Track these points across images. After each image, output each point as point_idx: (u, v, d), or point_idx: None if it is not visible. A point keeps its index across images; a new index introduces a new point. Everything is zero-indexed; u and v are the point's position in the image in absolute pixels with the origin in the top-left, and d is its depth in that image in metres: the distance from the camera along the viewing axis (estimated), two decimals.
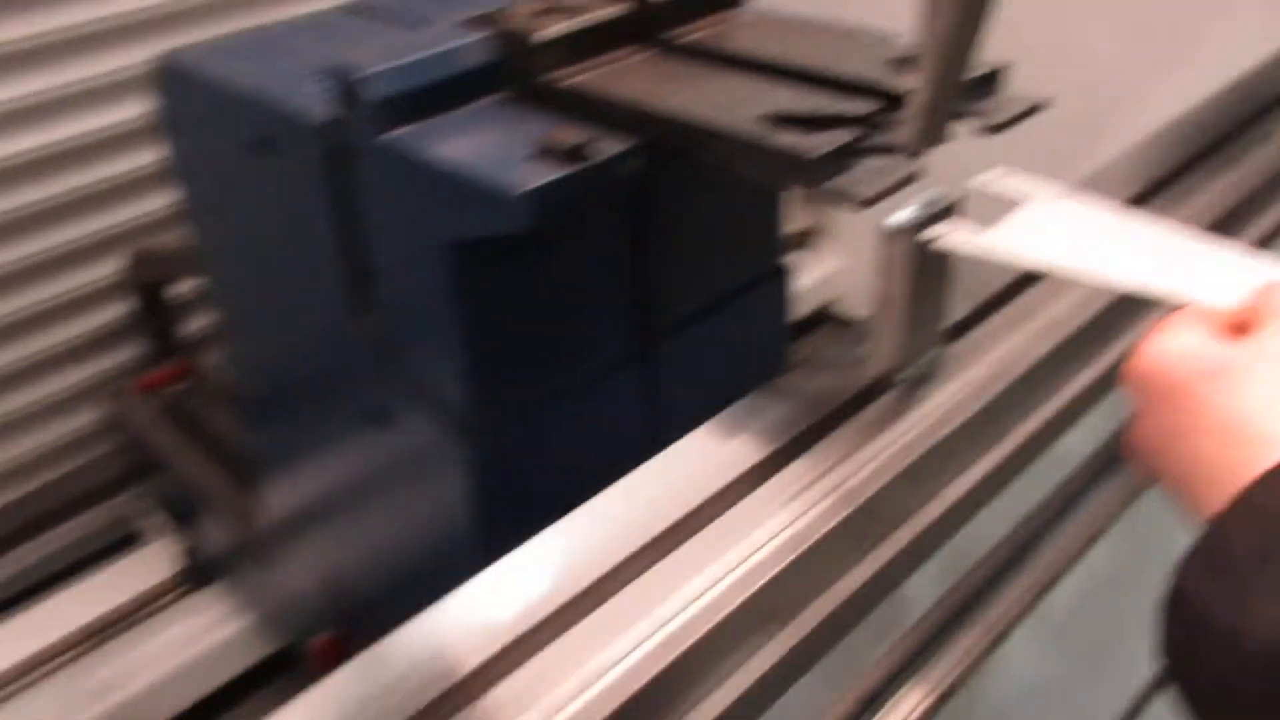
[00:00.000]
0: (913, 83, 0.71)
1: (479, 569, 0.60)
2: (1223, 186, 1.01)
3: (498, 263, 0.92)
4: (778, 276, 1.16)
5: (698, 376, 1.05)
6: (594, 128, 0.85)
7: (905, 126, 0.69)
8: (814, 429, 0.73)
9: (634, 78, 0.91)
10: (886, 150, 0.80)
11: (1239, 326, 0.49)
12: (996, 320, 0.83)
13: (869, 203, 0.74)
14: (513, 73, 0.93)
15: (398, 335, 0.97)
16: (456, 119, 0.85)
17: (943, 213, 0.70)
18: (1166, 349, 0.48)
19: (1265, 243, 0.98)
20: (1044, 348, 0.80)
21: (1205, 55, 1.64)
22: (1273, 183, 1.02)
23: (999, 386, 0.80)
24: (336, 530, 1.22)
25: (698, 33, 0.98)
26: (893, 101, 0.84)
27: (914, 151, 0.70)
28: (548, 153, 0.84)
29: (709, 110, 0.83)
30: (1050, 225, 0.63)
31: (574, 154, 0.84)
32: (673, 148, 0.85)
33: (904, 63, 0.89)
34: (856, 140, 0.77)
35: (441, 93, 0.85)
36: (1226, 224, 0.97)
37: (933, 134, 0.69)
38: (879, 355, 0.79)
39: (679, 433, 0.70)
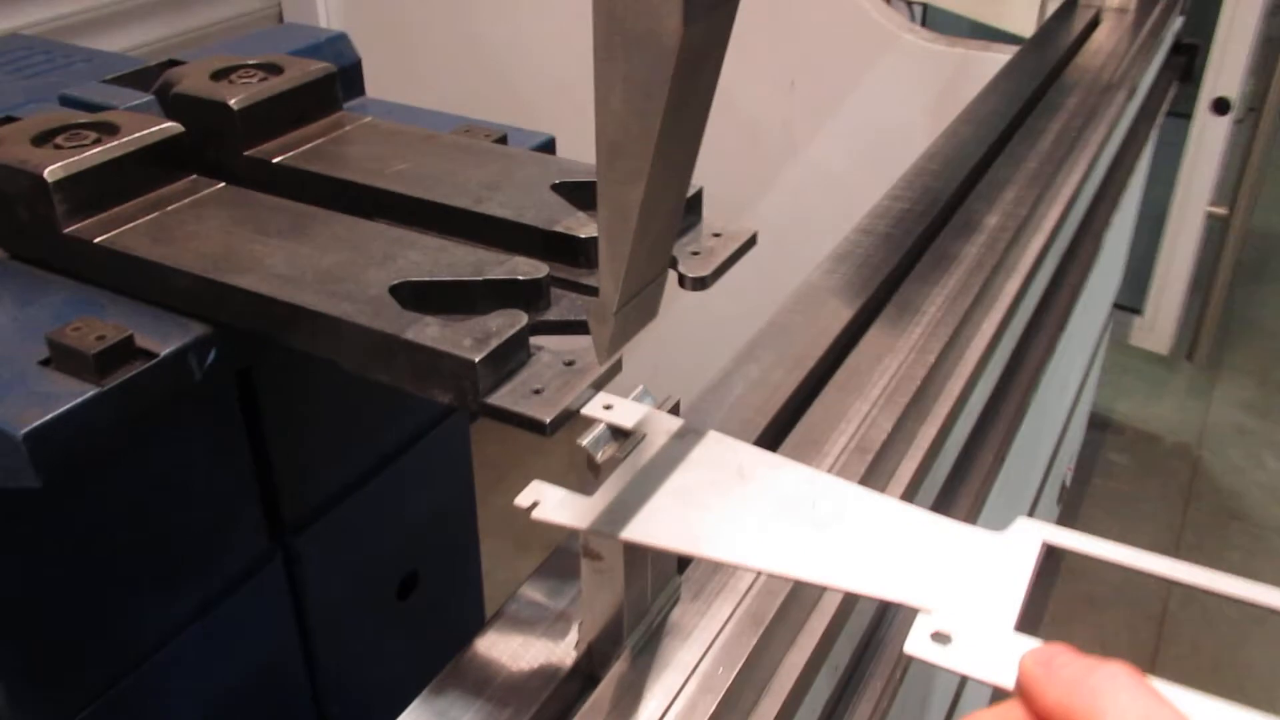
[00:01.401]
0: (592, 229, 0.59)
1: None
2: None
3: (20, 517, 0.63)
4: (449, 423, 1.02)
5: (353, 560, 0.95)
6: (142, 308, 0.64)
7: (593, 331, 0.50)
8: None
9: (200, 227, 0.68)
10: (570, 329, 0.59)
11: None
12: None
13: (554, 428, 0.51)
14: (16, 226, 0.63)
15: None
16: None
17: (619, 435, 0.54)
18: None
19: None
20: None
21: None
22: None
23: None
24: None
25: (288, 151, 0.73)
26: (571, 251, 0.66)
27: (603, 360, 0.50)
28: (65, 356, 0.55)
29: (307, 283, 0.62)
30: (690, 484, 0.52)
31: (108, 360, 0.55)
32: (262, 335, 0.61)
33: (577, 191, 0.67)
34: (532, 325, 0.58)
35: None
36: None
37: (624, 334, 0.51)
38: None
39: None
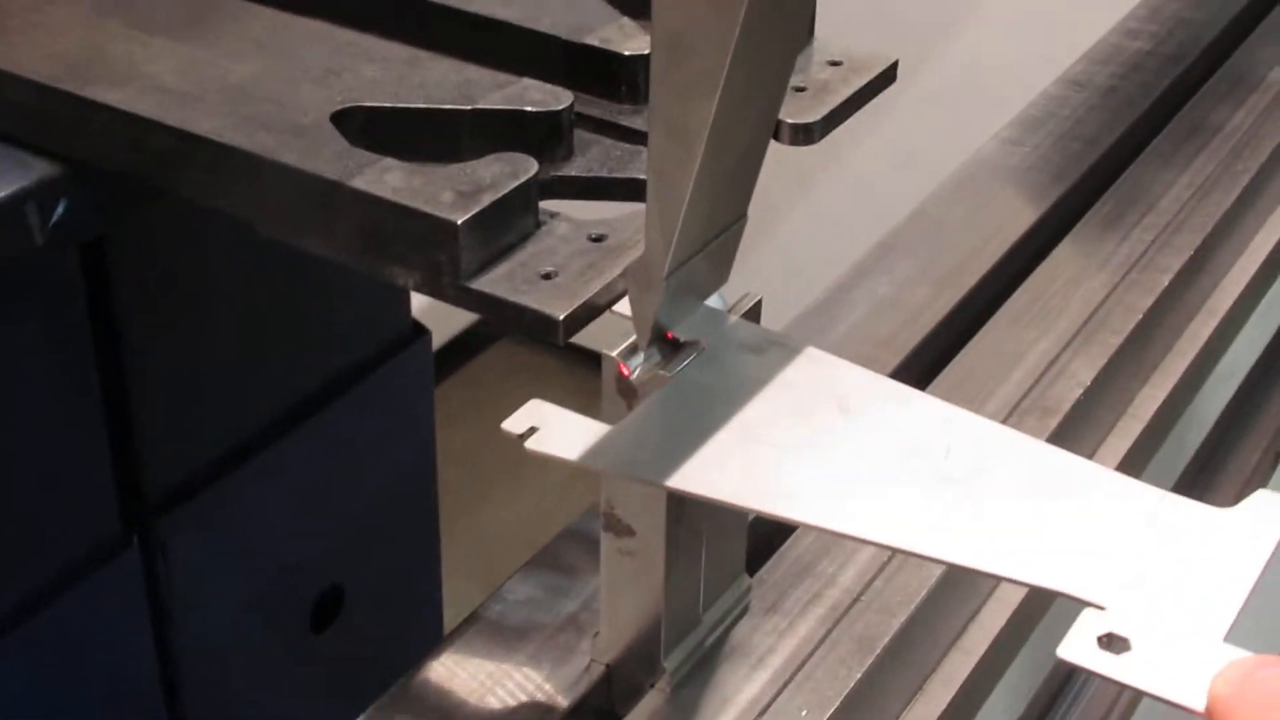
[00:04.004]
0: (641, 44, 0.65)
1: None
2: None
3: None
4: (404, 358, 1.06)
5: (246, 560, 1.01)
6: None
7: (632, 300, 0.58)
8: None
9: (47, 15, 0.73)
10: (601, 190, 0.67)
11: None
12: None
13: (570, 331, 0.57)
14: None
15: None
16: None
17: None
18: None
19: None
20: None
21: None
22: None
23: None
24: None
25: None
26: (608, 75, 0.70)
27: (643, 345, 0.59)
28: None
29: (208, 103, 0.67)
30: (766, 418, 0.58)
31: None
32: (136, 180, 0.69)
33: None
34: (545, 180, 0.63)
35: None
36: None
37: (677, 308, 0.58)
38: None
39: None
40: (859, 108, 0.73)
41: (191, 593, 0.98)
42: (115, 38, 0.71)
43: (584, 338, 0.60)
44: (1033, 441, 0.56)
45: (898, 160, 1.89)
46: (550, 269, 0.60)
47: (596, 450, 0.56)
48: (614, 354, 0.59)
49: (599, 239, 0.62)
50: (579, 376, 2.43)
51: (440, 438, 1.12)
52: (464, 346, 2.49)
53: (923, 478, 0.54)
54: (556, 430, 0.56)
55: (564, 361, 2.41)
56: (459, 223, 0.58)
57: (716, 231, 0.58)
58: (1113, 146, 0.96)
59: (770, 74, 0.54)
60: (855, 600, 0.69)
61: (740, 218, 0.59)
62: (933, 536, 0.52)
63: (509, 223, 0.61)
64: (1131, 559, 0.49)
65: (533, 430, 0.56)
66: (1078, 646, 0.46)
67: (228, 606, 1.01)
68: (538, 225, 0.62)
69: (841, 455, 0.55)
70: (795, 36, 0.53)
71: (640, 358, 0.59)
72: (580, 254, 0.61)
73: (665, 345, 0.59)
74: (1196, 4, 1.13)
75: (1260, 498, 0.51)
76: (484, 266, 0.60)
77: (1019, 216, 0.90)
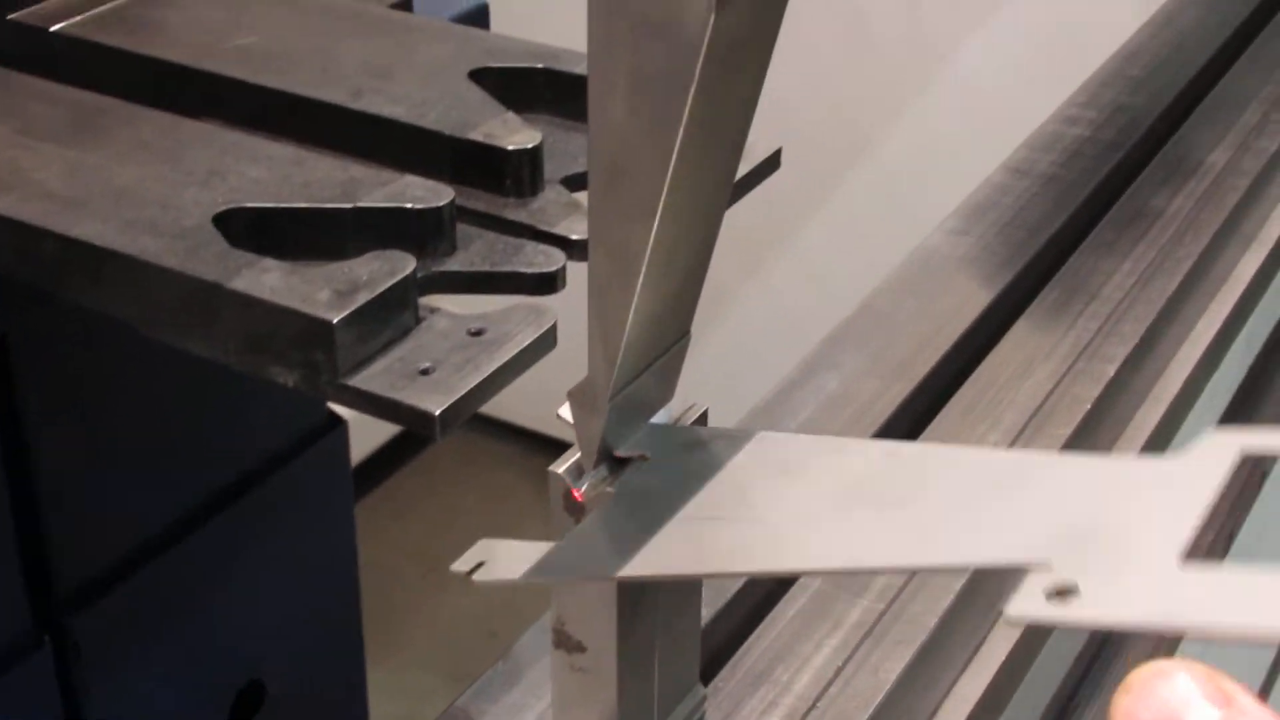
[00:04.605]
0: (525, 138, 0.67)
1: None
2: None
3: None
4: (321, 445, 1.07)
5: (163, 655, 1.00)
6: None
7: (576, 423, 0.59)
8: None
9: None
10: (482, 284, 0.67)
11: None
12: None
13: (447, 426, 0.59)
14: None
15: None
16: None
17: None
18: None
19: None
20: None
21: None
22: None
23: None
24: None
25: (76, 14, 0.82)
26: (493, 169, 0.72)
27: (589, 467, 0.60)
28: None
29: (93, 207, 0.68)
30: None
31: None
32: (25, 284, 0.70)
33: (508, 82, 0.77)
34: (424, 276, 0.65)
35: None
36: None
37: (622, 430, 0.59)
38: None
39: None
40: (744, 194, 0.75)
41: (106, 692, 0.97)
42: (3, 144, 0.71)
43: (537, 422, 0.61)
44: (980, 450, 0.56)
45: (845, 244, 1.90)
46: (428, 364, 0.61)
47: (542, 565, 0.57)
48: (560, 471, 0.60)
49: (478, 333, 0.63)
50: (533, 462, 2.44)
51: (394, 529, 1.12)
52: (415, 436, 2.49)
53: (866, 506, 0.54)
54: (503, 559, 0.57)
55: (517, 446, 2.42)
56: (334, 321, 0.59)
57: (660, 351, 0.59)
58: (1056, 234, 0.98)
59: (710, 193, 0.55)
60: (811, 707, 0.69)
61: (684, 335, 0.60)
62: (875, 550, 0.53)
63: (386, 319, 0.62)
64: (1077, 518, 0.50)
65: (480, 565, 0.57)
66: (1025, 604, 0.45)
67: (144, 705, 1.00)
68: (417, 321, 0.63)
69: (785, 507, 0.56)
70: (733, 155, 0.54)
71: (587, 475, 0.60)
72: (459, 349, 0.62)
73: (611, 461, 0.60)
74: (1133, 89, 1.14)
75: (1208, 438, 0.51)
76: (361, 363, 0.61)
77: (965, 307, 0.91)
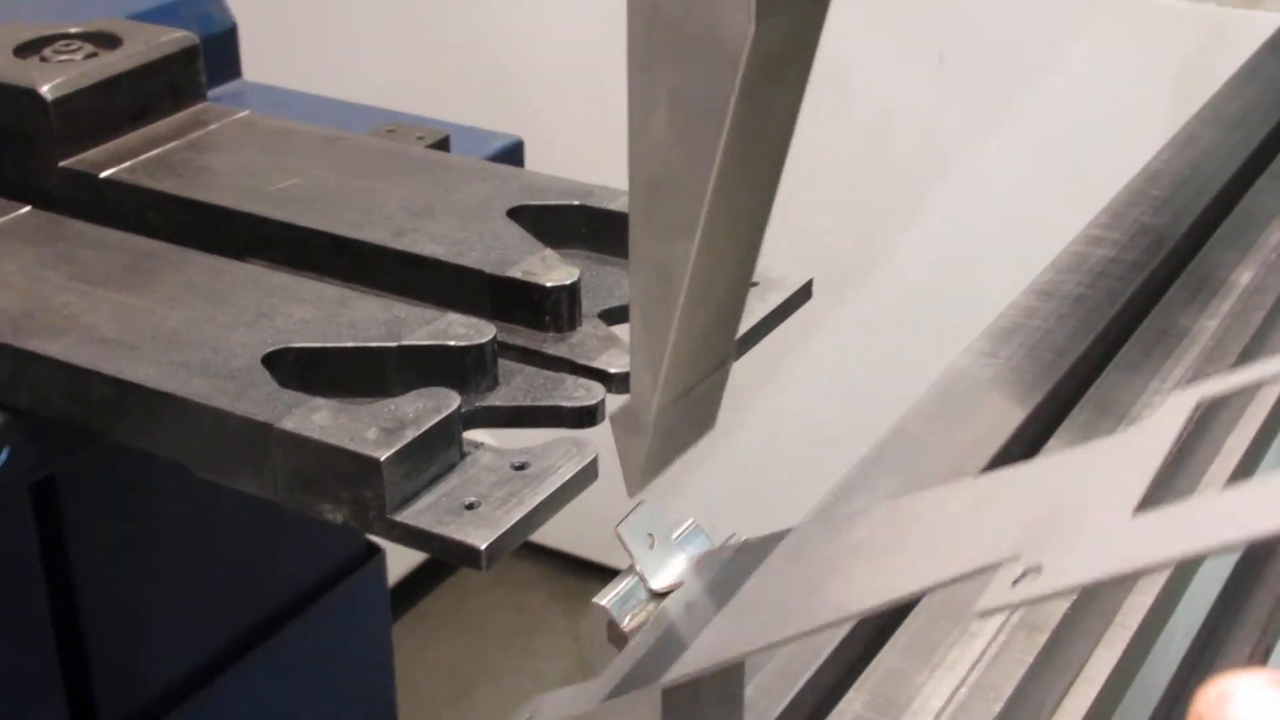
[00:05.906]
0: (563, 274, 0.69)
1: None
2: None
3: None
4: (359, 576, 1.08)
5: None
6: None
7: (620, 448, 0.57)
8: None
9: None
10: (525, 418, 0.69)
11: None
12: None
13: (493, 559, 0.59)
14: None
15: None
16: None
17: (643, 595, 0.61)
18: None
19: None
20: None
21: None
22: None
23: None
24: None
25: (125, 160, 0.84)
26: (531, 306, 0.73)
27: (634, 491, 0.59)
28: None
29: (143, 351, 0.69)
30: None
31: None
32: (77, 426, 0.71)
33: (545, 219, 0.78)
34: (468, 412, 0.65)
35: None
36: None
37: (667, 453, 0.58)
38: None
39: None
40: (776, 325, 0.76)
41: None
42: (56, 290, 0.73)
43: (566, 544, 0.62)
44: (963, 481, 0.56)
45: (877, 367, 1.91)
46: (473, 499, 0.62)
47: (587, 697, 0.58)
48: (604, 603, 0.60)
49: (521, 467, 0.64)
50: (564, 584, 2.44)
51: (423, 649, 1.12)
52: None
53: (873, 557, 0.56)
54: (551, 707, 0.59)
55: (549, 567, 2.42)
56: (382, 459, 0.61)
57: (701, 376, 0.59)
58: (1083, 355, 0.98)
59: (750, 210, 0.55)
60: None
61: (725, 362, 0.60)
62: (870, 595, 0.53)
63: (432, 456, 0.63)
64: (1042, 508, 0.50)
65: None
66: (993, 595, 0.46)
67: None
68: (462, 456, 0.64)
69: (794, 583, 0.57)
70: (774, 170, 0.54)
71: (632, 601, 0.61)
72: (503, 483, 0.63)
73: (649, 593, 0.61)
74: (1156, 210, 1.15)
75: (1167, 405, 0.51)
76: (408, 499, 0.62)
77: (996, 431, 0.92)
